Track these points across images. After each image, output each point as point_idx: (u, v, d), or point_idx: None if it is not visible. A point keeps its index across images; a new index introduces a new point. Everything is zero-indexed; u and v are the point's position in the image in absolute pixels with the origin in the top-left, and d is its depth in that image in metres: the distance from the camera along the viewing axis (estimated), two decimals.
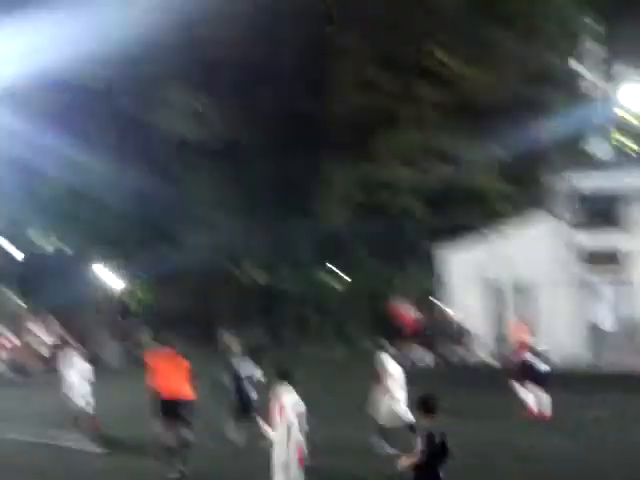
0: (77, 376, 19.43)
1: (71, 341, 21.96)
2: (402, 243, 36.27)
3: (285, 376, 11.80)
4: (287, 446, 11.40)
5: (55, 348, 33.41)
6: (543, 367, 20.78)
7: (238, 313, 40.57)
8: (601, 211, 31.81)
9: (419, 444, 9.81)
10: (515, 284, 32.16)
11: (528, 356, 21.18)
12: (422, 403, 10.08)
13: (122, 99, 38.36)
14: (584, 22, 35.34)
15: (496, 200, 36.68)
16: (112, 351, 36.57)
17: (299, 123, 38.70)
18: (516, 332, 25.96)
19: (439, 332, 35.26)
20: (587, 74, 35.51)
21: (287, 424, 11.36)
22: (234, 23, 35.01)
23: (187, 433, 15.08)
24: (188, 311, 43.06)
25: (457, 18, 37.62)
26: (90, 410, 19.32)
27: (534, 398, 20.60)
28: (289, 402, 11.47)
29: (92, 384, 19.57)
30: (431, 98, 37.42)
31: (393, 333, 35.22)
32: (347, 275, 41.25)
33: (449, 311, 34.81)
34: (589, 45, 34.93)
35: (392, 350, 17.57)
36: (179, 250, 39.56)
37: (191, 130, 38.01)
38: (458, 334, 33.62)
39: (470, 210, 36.39)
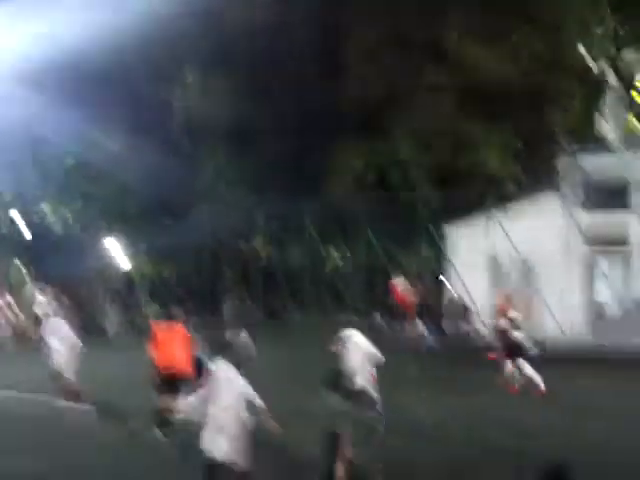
0: (61, 344, 18.85)
1: (63, 310, 21.68)
2: (410, 222, 36.28)
3: (222, 349, 11.59)
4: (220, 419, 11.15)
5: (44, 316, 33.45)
6: (525, 342, 20.86)
7: (242, 287, 40.73)
8: (609, 193, 31.86)
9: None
10: (521, 263, 32.22)
11: (509, 330, 21.30)
12: (328, 380, 9.61)
13: (136, 77, 38.41)
14: (598, 9, 35.19)
15: (505, 181, 36.62)
16: (115, 323, 36.72)
17: (312, 103, 38.67)
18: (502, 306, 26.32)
19: (440, 309, 35.55)
20: (600, 59, 35.42)
21: (219, 396, 11.08)
22: (247, 4, 34.95)
23: (175, 404, 14.93)
24: (192, 284, 43.24)
25: (473, 3, 37.52)
26: (73, 378, 18.81)
27: (513, 371, 20.68)
28: (222, 374, 11.18)
29: (79, 352, 19.15)
30: (445, 82, 37.32)
31: (392, 309, 35.66)
32: (353, 252, 41.32)
33: (453, 289, 34.97)
34: (603, 31, 34.82)
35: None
36: (187, 225, 39.67)
37: (203, 108, 38.04)
38: (460, 311, 33.74)
39: (479, 190, 36.39)
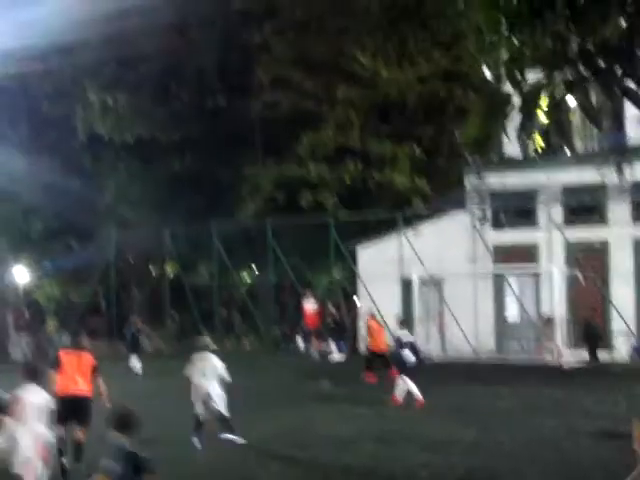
0: None
1: None
2: (321, 242, 36.27)
3: (32, 375, 11.79)
4: (28, 444, 11.33)
5: None
6: (409, 357, 21.17)
7: (149, 307, 40.24)
8: (517, 211, 32.33)
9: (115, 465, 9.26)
10: (427, 278, 32.41)
11: (393, 346, 21.84)
12: (118, 420, 9.49)
13: (36, 94, 37.91)
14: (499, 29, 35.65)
15: (411, 197, 36.84)
16: (19, 345, 35.85)
17: (217, 121, 38.51)
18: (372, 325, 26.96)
19: (347, 325, 35.62)
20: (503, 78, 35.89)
21: (28, 422, 11.32)
22: (150, 19, 34.66)
23: (80, 433, 14.49)
24: (98, 306, 42.55)
25: (376, 19, 37.87)
26: None
27: (403, 386, 20.89)
28: (33, 400, 11.45)
29: None
30: (350, 97, 37.51)
31: (299, 325, 35.63)
32: (260, 270, 41.16)
33: (360, 305, 35.03)
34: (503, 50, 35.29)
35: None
36: (91, 245, 39.07)
37: (105, 126, 37.63)
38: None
39: (386, 206, 36.64)
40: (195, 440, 15.90)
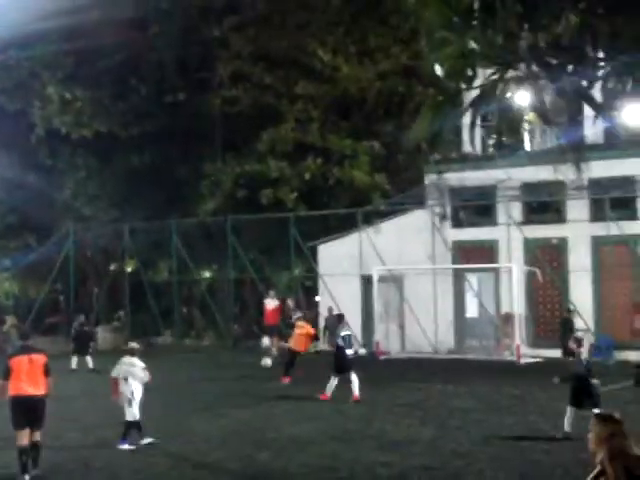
0: None
1: None
2: (279, 236, 36.17)
3: None
4: None
5: None
6: (348, 352, 21.27)
7: (108, 304, 39.89)
8: (472, 204, 32.41)
9: None
10: (387, 275, 32.41)
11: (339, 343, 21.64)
12: None
13: None
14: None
15: (371, 193, 36.77)
16: None
17: (176, 116, 38.25)
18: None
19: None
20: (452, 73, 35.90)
21: None
22: (109, 13, 34.35)
23: (37, 434, 14.21)
24: (57, 302, 42.13)
25: (336, 14, 37.80)
26: None
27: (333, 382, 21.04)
28: None
29: None
30: (310, 93, 37.38)
31: (258, 322, 35.41)
32: (220, 266, 40.92)
33: (320, 301, 34.92)
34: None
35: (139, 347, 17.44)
36: (49, 241, 38.68)
37: (64, 121, 37.25)
38: (328, 324, 33.52)
39: (346, 203, 36.59)
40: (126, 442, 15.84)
